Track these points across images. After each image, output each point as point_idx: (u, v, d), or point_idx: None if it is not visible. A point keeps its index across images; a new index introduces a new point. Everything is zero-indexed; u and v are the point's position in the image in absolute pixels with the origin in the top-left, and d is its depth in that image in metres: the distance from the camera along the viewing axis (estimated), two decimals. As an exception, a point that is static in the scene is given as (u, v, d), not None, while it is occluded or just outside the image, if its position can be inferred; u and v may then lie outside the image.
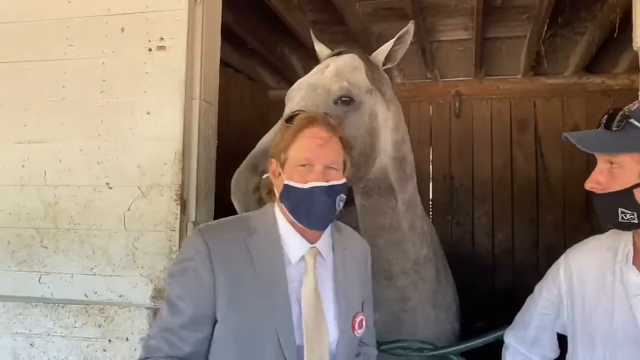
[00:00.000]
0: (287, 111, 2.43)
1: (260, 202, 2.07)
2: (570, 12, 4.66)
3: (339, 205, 1.85)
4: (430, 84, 6.15)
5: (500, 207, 6.07)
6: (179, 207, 2.52)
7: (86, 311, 2.58)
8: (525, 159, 6.03)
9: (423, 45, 5.33)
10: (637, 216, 1.74)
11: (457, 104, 6.14)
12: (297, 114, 1.98)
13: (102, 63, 2.65)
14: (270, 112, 6.58)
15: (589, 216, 5.19)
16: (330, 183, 1.81)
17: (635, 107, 1.75)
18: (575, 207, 5.52)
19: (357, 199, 2.76)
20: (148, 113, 2.58)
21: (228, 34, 4.38)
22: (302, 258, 1.86)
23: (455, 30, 5.37)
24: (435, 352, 2.74)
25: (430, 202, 6.22)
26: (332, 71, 2.56)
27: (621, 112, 1.74)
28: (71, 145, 2.65)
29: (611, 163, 1.75)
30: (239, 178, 2.11)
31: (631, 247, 1.88)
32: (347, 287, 1.92)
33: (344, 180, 1.87)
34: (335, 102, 2.45)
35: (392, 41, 2.74)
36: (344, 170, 1.89)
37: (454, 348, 2.74)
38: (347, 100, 2.46)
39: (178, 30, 2.57)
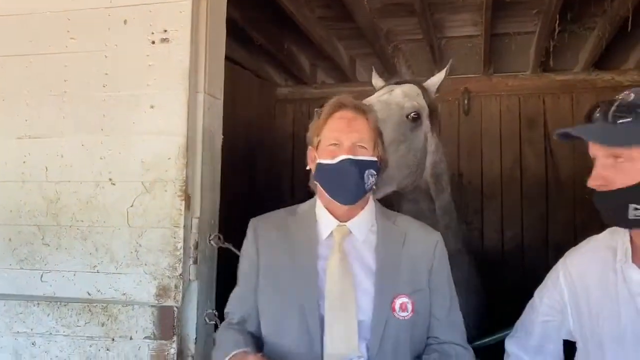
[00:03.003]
0: None
1: None
2: (579, 8, 4.60)
3: (368, 179, 1.98)
4: (437, 81, 6.08)
5: (510, 205, 5.99)
6: (183, 202, 2.46)
7: (89, 310, 2.53)
8: (534, 156, 5.96)
9: (431, 41, 5.28)
10: None
11: (465, 101, 6.08)
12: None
13: (105, 56, 2.59)
14: (277, 109, 6.54)
15: (600, 213, 5.09)
16: (358, 157, 1.96)
17: (633, 97, 1.67)
18: (586, 204, 5.37)
19: (405, 205, 3.04)
20: (152, 107, 2.52)
21: (235, 31, 4.34)
22: (331, 235, 2.04)
23: (464, 26, 5.32)
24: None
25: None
26: (401, 93, 2.92)
27: (620, 103, 1.67)
28: (73, 140, 2.60)
29: (616, 157, 1.67)
30: None
31: (629, 245, 1.82)
32: (388, 268, 2.01)
33: (373, 158, 2.01)
34: (407, 117, 2.81)
35: (443, 72, 3.19)
36: (374, 150, 2.03)
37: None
38: (416, 117, 2.84)
39: (182, 22, 2.51)
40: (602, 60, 5.51)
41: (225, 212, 2.79)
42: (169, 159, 2.49)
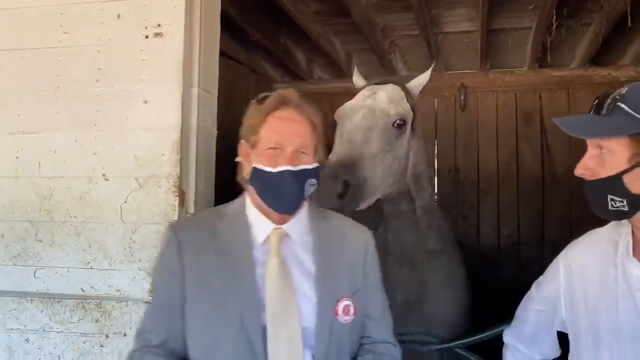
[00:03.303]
0: (343, 130, 2.75)
1: (340, 206, 2.32)
2: (576, 3, 4.60)
3: (308, 189, 1.85)
4: (435, 76, 6.02)
5: (506, 200, 6.01)
6: (177, 199, 2.45)
7: (83, 306, 2.52)
8: (531, 152, 5.97)
9: (428, 37, 5.26)
10: (627, 203, 1.69)
11: (462, 97, 6.07)
12: (270, 95, 1.96)
13: (98, 51, 2.58)
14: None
15: (589, 203, 5.04)
16: (299, 167, 1.81)
17: (624, 91, 1.70)
18: (582, 199, 5.34)
19: (385, 206, 3.06)
20: (145, 102, 2.51)
21: (231, 27, 4.32)
22: (268, 239, 1.88)
23: (461, 22, 5.30)
24: (440, 346, 2.74)
25: (436, 196, 6.16)
26: (385, 97, 2.84)
27: (611, 96, 1.70)
28: (66, 135, 2.58)
29: (601, 148, 1.70)
30: (323, 184, 2.14)
31: (630, 239, 1.83)
32: (328, 271, 1.90)
33: (314, 165, 1.88)
34: (393, 124, 2.76)
35: (427, 73, 3.13)
36: (314, 155, 1.90)
37: (460, 342, 2.73)
38: (401, 124, 2.79)
39: (175, 16, 2.50)
40: (599, 56, 5.50)
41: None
42: (163, 154, 2.47)
